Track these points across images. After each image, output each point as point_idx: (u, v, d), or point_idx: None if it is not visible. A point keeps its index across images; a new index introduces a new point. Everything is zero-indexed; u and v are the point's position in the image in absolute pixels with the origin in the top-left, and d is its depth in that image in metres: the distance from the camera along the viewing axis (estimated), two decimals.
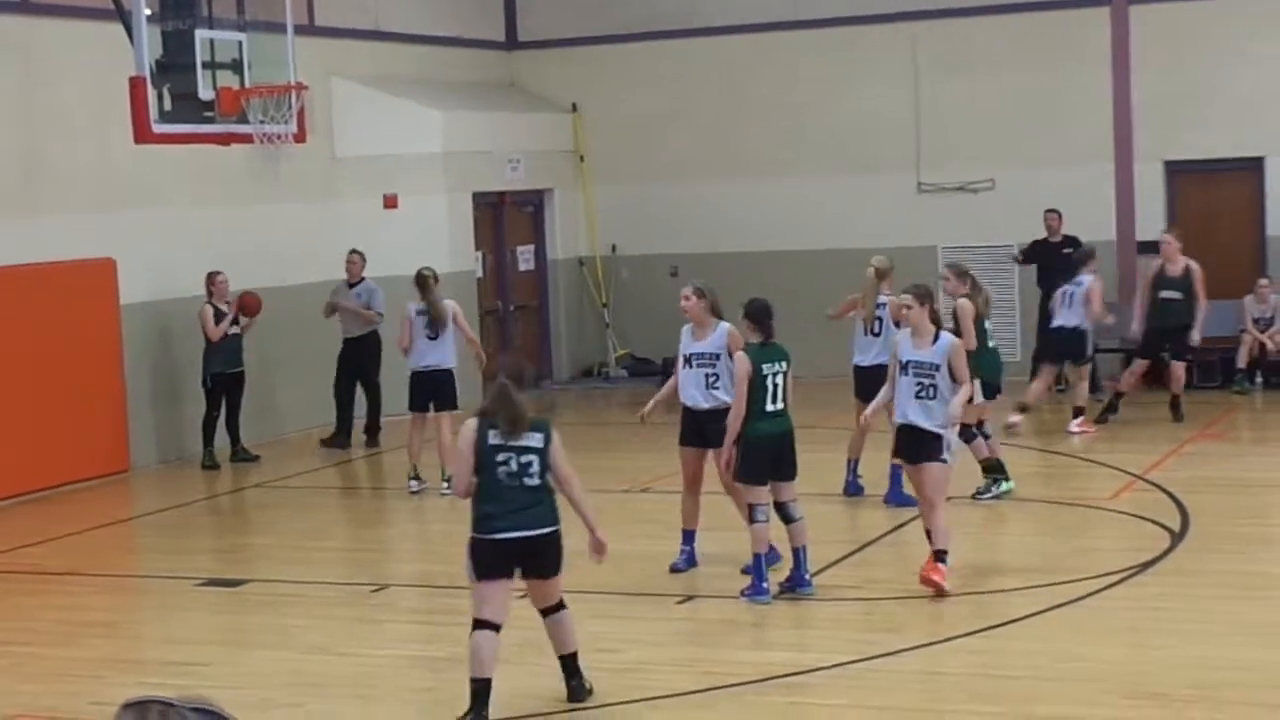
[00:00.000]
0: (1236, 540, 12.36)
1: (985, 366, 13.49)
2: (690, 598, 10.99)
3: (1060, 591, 10.67)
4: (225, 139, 14.69)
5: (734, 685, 9.01)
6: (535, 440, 8.37)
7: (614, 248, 23.45)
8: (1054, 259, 19.72)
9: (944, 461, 10.53)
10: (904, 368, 10.69)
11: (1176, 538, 12.14)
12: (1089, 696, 8.63)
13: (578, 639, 8.80)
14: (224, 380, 17.22)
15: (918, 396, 10.57)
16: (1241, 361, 19.70)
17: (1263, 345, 19.74)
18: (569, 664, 8.77)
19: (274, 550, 13.82)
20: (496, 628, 8.37)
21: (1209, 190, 21.21)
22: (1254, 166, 20.86)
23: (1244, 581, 11.06)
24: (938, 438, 10.48)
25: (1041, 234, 20.11)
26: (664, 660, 9.57)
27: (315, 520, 14.66)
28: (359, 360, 18.18)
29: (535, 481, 8.36)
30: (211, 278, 17.21)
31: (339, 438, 18.21)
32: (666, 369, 22.59)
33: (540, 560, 8.46)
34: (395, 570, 12.81)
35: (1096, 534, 12.72)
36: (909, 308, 10.74)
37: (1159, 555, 11.64)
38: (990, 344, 14.12)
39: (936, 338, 10.70)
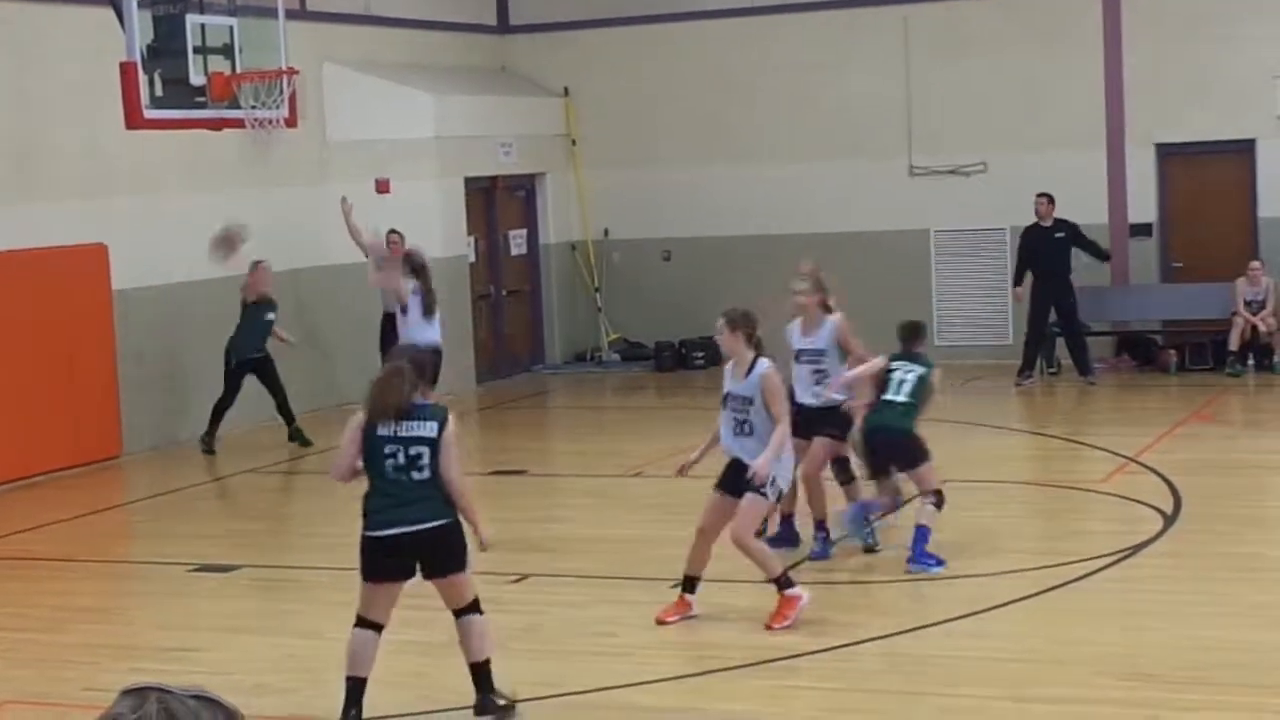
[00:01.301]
0: (1229, 522, 12.38)
1: None
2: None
3: (1053, 574, 10.69)
4: (217, 124, 14.69)
5: (725, 669, 9.02)
6: (428, 430, 7.95)
7: (606, 232, 23.43)
8: (1045, 244, 19.73)
9: (762, 495, 9.63)
10: (725, 399, 9.85)
11: (1169, 520, 12.16)
12: (1082, 679, 8.65)
13: (492, 646, 8.29)
14: (250, 365, 17.16)
15: (736, 434, 9.80)
16: (1233, 344, 19.71)
17: (1254, 328, 19.76)
18: (476, 674, 8.22)
19: (268, 536, 13.83)
20: (378, 628, 8.11)
21: (1200, 173, 21.21)
22: (1245, 149, 20.87)
23: (1237, 563, 11.09)
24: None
25: (1032, 219, 20.06)
26: (655, 644, 9.59)
27: (311, 506, 14.66)
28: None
29: (424, 475, 7.93)
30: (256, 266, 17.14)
31: None
32: (659, 353, 22.68)
33: (433, 556, 8.03)
34: None
35: (1089, 516, 12.75)
36: (719, 333, 9.90)
37: (1151, 537, 11.66)
38: None
39: (752, 367, 9.74)
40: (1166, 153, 21.19)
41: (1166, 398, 18.85)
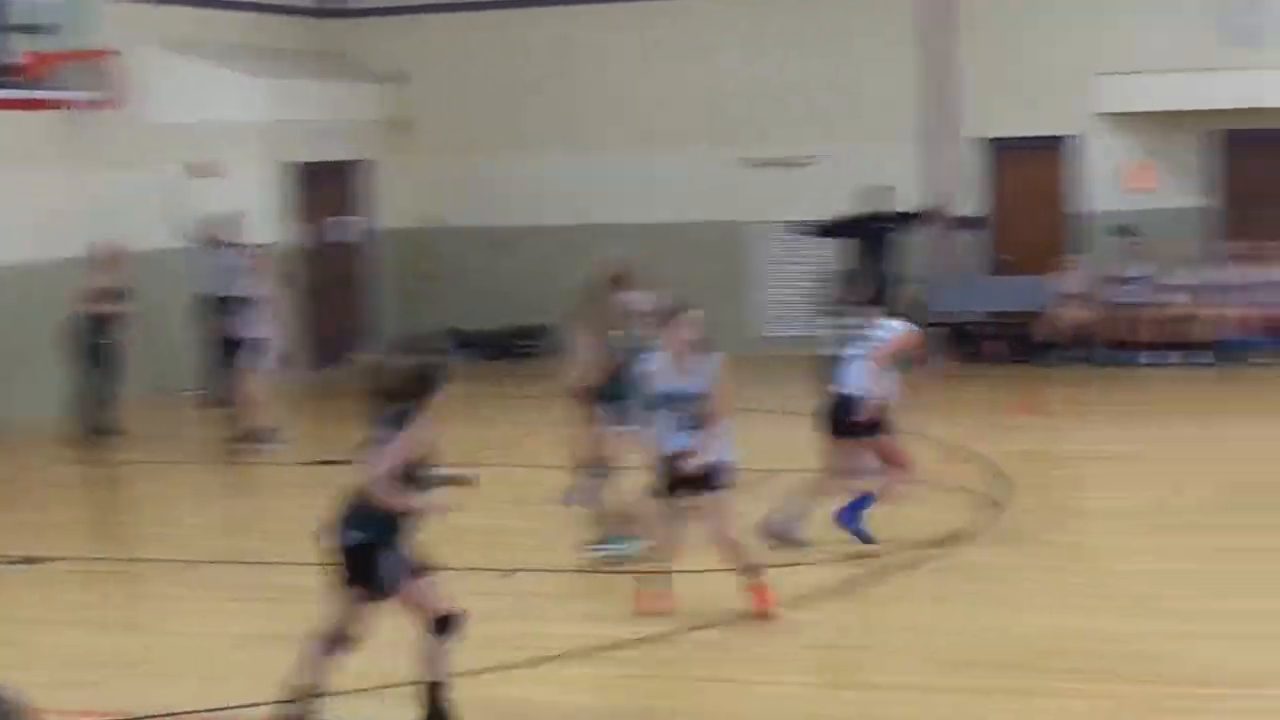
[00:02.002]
0: (1055, 511, 12.57)
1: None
2: (515, 571, 10.90)
3: (879, 563, 10.76)
4: (33, 104, 14.30)
5: (555, 658, 8.95)
6: None
7: (439, 219, 23.22)
8: (865, 232, 19.82)
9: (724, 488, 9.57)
10: (658, 400, 9.54)
11: (995, 509, 12.30)
12: (907, 666, 8.70)
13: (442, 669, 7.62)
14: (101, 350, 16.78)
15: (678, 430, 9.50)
16: (1052, 336, 20.07)
17: (1068, 321, 20.09)
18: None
19: (84, 526, 13.50)
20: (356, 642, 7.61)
21: (1021, 167, 21.57)
22: (1061, 144, 21.24)
23: (1061, 552, 11.25)
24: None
25: (860, 209, 20.09)
26: (488, 634, 9.47)
27: (132, 495, 14.35)
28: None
29: None
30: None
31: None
32: (489, 342, 22.51)
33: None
34: (210, 546, 12.55)
35: (916, 504, 12.84)
36: (673, 330, 9.58)
37: (976, 527, 11.79)
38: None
39: (699, 362, 9.55)
40: (990, 146, 21.51)
41: (992, 388, 19.10)
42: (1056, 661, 8.69)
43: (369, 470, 7.34)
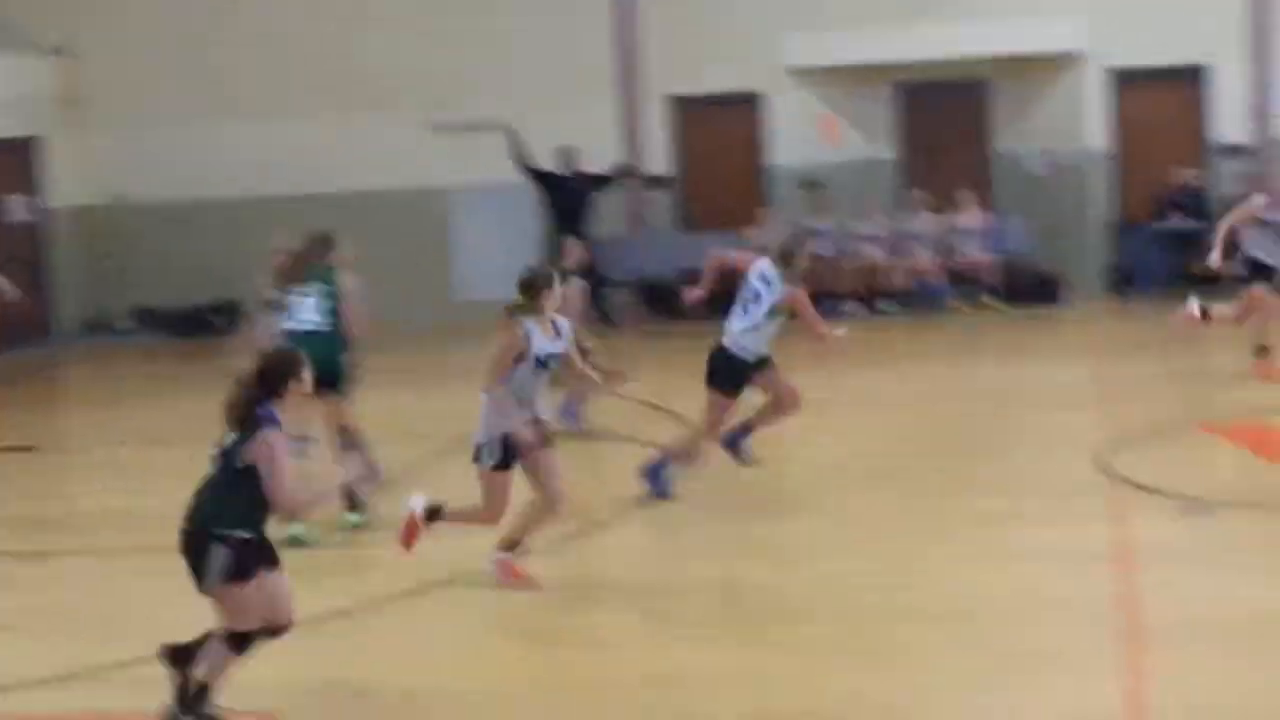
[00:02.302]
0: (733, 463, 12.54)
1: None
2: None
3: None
4: None
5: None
6: None
7: (118, 196, 22.36)
8: (563, 194, 19.69)
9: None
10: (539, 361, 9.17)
11: (691, 462, 12.21)
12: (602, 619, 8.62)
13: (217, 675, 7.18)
14: None
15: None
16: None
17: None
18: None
19: None
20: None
21: (712, 124, 21.73)
22: (751, 101, 21.46)
23: (754, 503, 11.26)
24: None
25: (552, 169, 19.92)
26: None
27: None
28: None
29: None
30: None
31: None
32: (179, 319, 21.78)
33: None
34: None
35: (612, 466, 12.62)
36: (547, 296, 9.31)
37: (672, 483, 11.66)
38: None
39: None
40: (683, 105, 21.62)
41: (692, 346, 19.10)
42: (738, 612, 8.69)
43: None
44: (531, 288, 9.15)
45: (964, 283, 20.53)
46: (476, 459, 9.06)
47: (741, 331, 11.04)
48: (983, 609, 8.45)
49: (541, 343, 9.09)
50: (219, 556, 6.88)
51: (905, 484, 11.53)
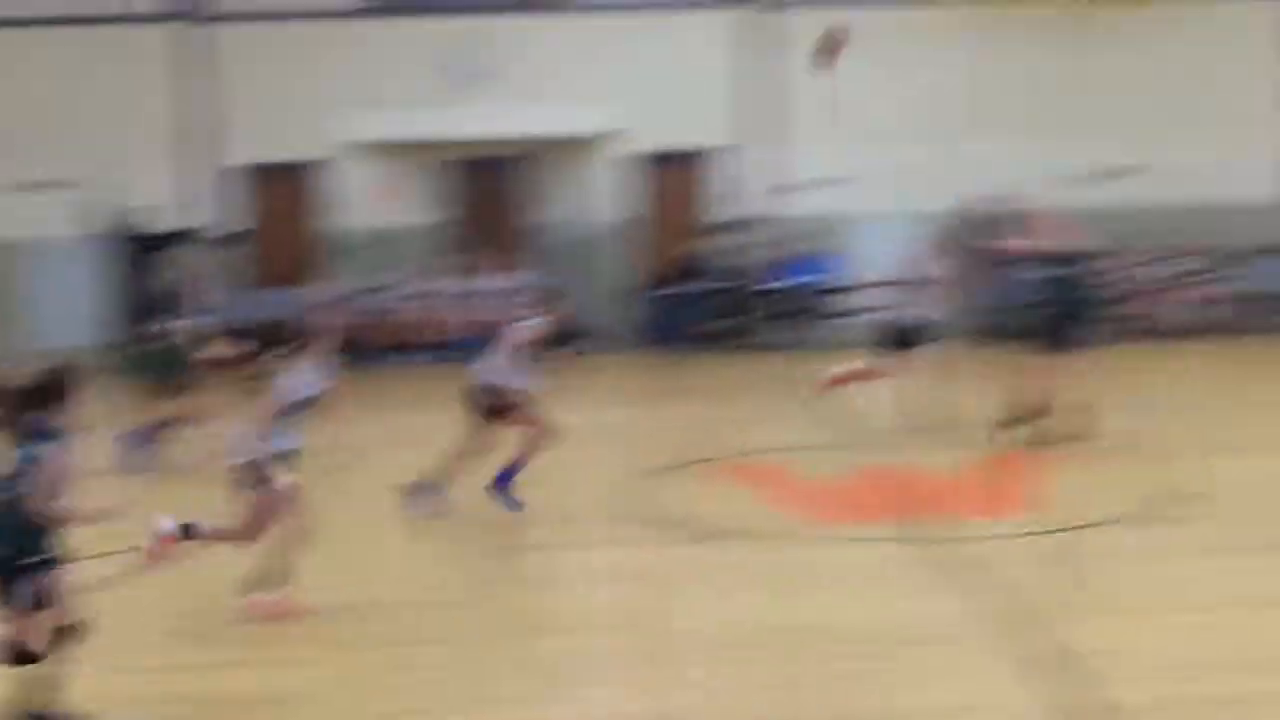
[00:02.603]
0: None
1: None
2: None
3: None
4: None
5: None
6: None
7: None
8: (133, 250, 21.09)
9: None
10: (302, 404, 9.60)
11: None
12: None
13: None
14: None
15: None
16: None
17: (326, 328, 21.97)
18: None
19: None
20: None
21: (279, 189, 23.50)
22: (312, 169, 23.35)
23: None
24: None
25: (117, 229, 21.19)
26: None
27: None
28: None
29: None
30: None
31: None
32: None
33: None
34: None
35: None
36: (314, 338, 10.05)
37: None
38: None
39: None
40: (256, 173, 23.28)
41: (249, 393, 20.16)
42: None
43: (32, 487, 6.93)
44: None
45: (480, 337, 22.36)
46: None
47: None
48: (544, 625, 9.22)
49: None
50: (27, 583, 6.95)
51: (469, 518, 11.98)
